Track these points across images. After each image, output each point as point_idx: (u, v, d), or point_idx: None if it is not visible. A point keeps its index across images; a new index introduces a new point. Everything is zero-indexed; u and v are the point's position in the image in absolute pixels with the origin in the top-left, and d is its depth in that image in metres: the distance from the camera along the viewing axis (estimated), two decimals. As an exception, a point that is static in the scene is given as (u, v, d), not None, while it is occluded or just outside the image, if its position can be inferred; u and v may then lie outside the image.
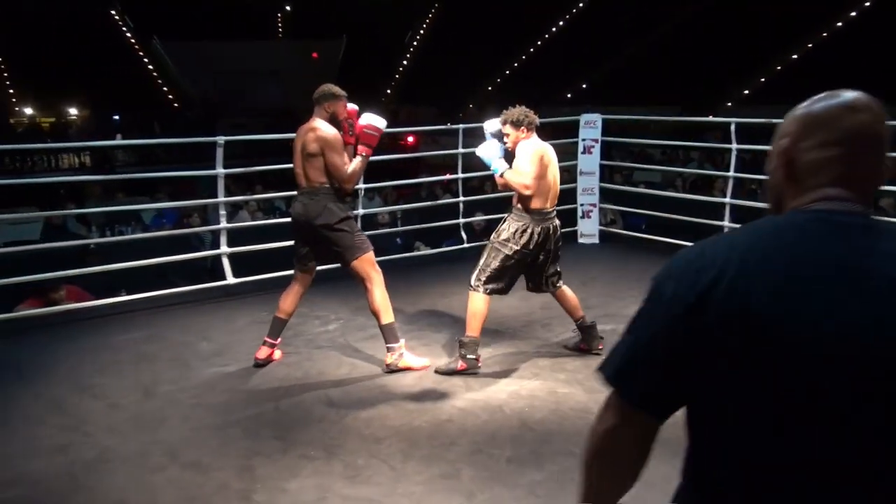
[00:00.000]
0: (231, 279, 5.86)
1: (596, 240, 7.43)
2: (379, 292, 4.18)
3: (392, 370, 4.20)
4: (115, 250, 6.71)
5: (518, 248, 4.13)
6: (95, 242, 7.39)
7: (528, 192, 4.08)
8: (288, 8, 37.79)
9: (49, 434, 3.55)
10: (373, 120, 4.24)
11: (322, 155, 4.07)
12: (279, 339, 4.44)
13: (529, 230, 4.14)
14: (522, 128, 4.14)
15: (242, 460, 3.26)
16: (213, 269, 6.46)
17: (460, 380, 4.08)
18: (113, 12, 35.04)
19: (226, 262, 5.88)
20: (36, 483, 3.12)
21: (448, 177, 7.44)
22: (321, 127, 4.11)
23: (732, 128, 6.34)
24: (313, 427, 3.57)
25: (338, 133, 4.13)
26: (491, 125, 4.33)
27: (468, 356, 4.15)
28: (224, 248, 5.90)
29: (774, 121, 5.95)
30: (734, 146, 6.36)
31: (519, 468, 3.14)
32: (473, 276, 4.20)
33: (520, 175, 4.08)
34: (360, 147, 4.22)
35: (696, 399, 1.15)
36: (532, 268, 4.31)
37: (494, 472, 3.11)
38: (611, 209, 7.92)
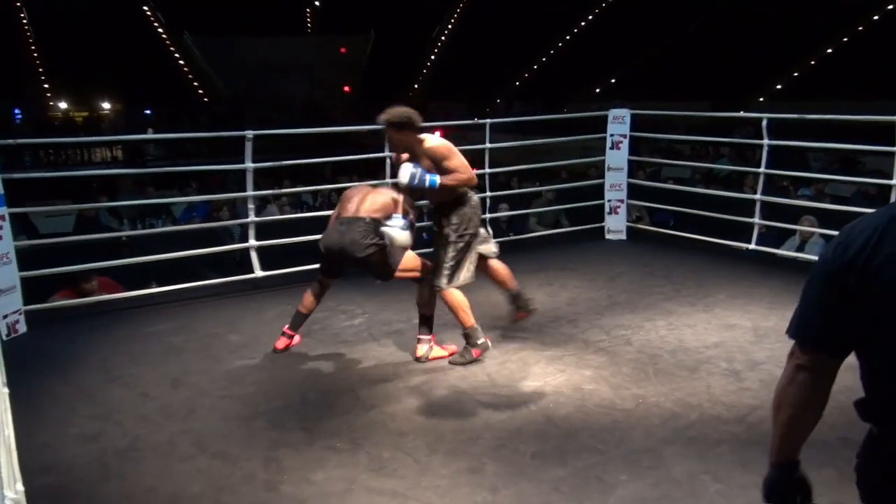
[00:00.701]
0: (259, 272, 5.91)
1: (623, 236, 7.37)
2: (426, 286, 4.30)
3: (420, 361, 4.31)
4: (146, 243, 6.81)
5: (469, 234, 4.23)
6: (127, 235, 7.50)
7: (475, 180, 4.25)
8: (317, 3, 37.95)
9: (81, 423, 3.62)
10: (406, 172, 4.11)
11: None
12: (298, 333, 4.53)
13: (474, 215, 4.27)
14: (406, 129, 4.11)
15: (269, 451, 3.30)
16: (241, 262, 6.52)
17: (485, 375, 4.08)
18: (145, 8, 35.47)
19: (254, 256, 5.94)
20: (68, 470, 3.18)
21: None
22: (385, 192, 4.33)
23: (764, 123, 6.25)
24: (339, 419, 3.60)
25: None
26: (405, 173, 4.10)
27: (477, 342, 4.27)
28: (252, 242, 5.96)
29: (808, 116, 5.88)
30: (765, 142, 6.26)
31: (543, 463, 3.13)
32: (436, 280, 4.22)
33: (463, 170, 4.14)
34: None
35: (860, 335, 1.49)
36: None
37: (519, 468, 3.11)
38: (638, 205, 7.85)
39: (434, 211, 4.40)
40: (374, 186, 4.44)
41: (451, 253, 4.19)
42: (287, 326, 4.51)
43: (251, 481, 3.06)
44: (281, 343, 4.49)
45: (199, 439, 3.43)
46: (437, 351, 4.37)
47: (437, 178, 4.06)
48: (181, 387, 4.04)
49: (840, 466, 3.05)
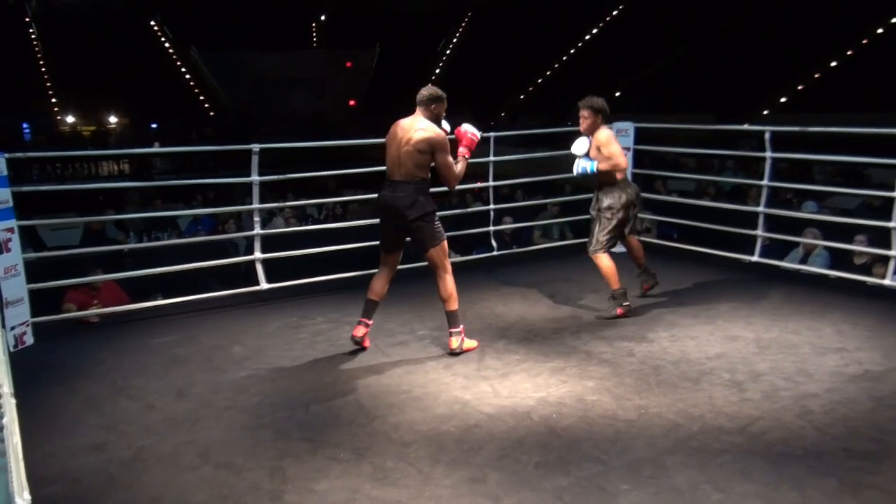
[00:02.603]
0: (264, 285, 5.95)
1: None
2: (450, 280, 4.58)
3: (455, 353, 4.57)
4: (152, 255, 6.86)
5: (619, 216, 5.24)
6: (132, 248, 7.56)
7: (624, 165, 5.19)
8: (323, 18, 38.23)
9: (87, 433, 3.65)
10: (473, 128, 4.65)
11: (432, 154, 4.39)
12: (372, 320, 4.72)
13: (626, 195, 5.24)
14: (600, 115, 5.18)
15: (273, 461, 3.32)
16: (246, 274, 6.56)
17: (488, 385, 4.10)
18: (153, 23, 35.78)
19: (259, 268, 5.98)
20: (74, 480, 3.21)
21: (479, 185, 7.45)
22: (431, 128, 4.42)
23: (767, 136, 6.27)
24: (343, 430, 3.62)
25: (445, 135, 4.45)
26: (580, 147, 5.25)
27: (623, 303, 5.22)
28: (258, 254, 6.00)
29: (810, 129, 5.93)
30: (769, 154, 6.29)
31: (546, 473, 3.15)
32: (589, 248, 5.34)
33: (617, 157, 5.08)
34: (460, 150, 4.57)
35: None
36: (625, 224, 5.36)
37: (521, 477, 3.12)
38: (645, 218, 7.87)
39: (598, 186, 5.33)
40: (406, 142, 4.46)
41: (604, 229, 5.25)
42: (361, 315, 4.68)
43: (255, 491, 3.08)
44: (359, 331, 4.66)
45: (203, 449, 3.45)
46: (469, 342, 4.65)
47: (596, 164, 5.12)
48: (186, 398, 4.07)
49: (841, 476, 3.06)
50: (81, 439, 3.58)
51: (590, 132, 5.23)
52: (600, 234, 5.26)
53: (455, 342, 4.58)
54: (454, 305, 4.59)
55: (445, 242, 4.58)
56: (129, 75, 30.74)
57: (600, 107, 5.18)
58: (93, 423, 3.76)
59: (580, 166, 5.20)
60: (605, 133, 5.16)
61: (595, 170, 5.13)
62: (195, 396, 4.08)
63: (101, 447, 3.50)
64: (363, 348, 4.72)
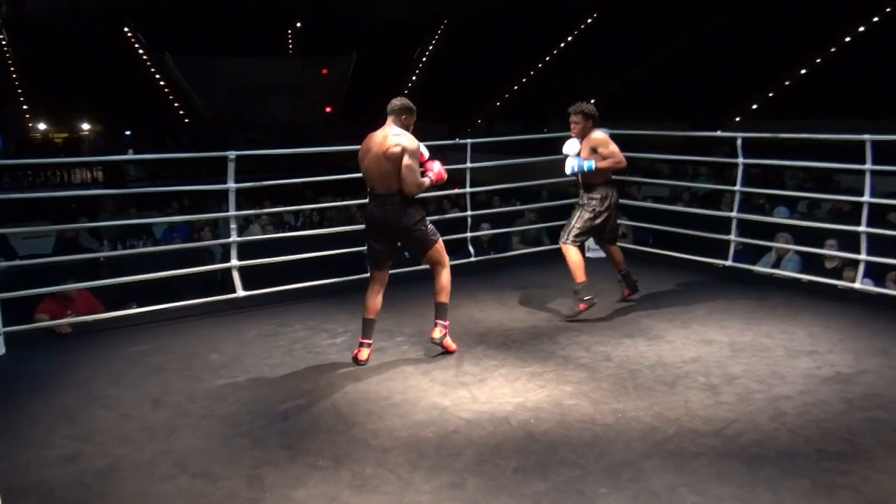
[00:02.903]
0: (241, 292, 5.91)
1: (603, 254, 7.42)
2: (446, 274, 4.69)
3: (435, 342, 4.69)
4: (127, 263, 6.79)
5: (603, 214, 5.36)
6: (106, 256, 7.48)
7: (624, 163, 5.35)
8: (299, 25, 38.13)
9: (61, 443, 3.61)
10: (443, 168, 4.68)
11: (399, 160, 4.38)
12: (373, 339, 4.65)
13: (613, 197, 5.43)
14: (591, 120, 5.34)
15: (251, 470, 3.30)
16: (222, 282, 6.52)
17: (466, 391, 4.11)
18: (126, 29, 35.43)
19: (236, 276, 5.94)
20: (49, 491, 3.17)
21: (456, 191, 7.48)
22: (405, 135, 4.45)
23: (739, 143, 6.37)
24: (321, 437, 3.61)
25: (418, 143, 4.47)
26: (571, 147, 5.40)
27: (585, 297, 5.24)
28: (234, 262, 5.96)
29: (781, 135, 6.04)
30: (741, 160, 6.38)
31: (524, 478, 3.16)
32: (561, 237, 5.40)
33: (618, 155, 5.29)
34: (427, 176, 4.59)
35: None
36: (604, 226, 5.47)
37: (500, 482, 3.13)
38: (621, 223, 7.93)
39: (585, 185, 5.43)
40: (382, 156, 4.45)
41: (582, 220, 5.35)
42: (361, 337, 4.62)
43: (233, 500, 3.06)
44: (364, 353, 4.59)
45: (180, 459, 3.42)
46: (450, 342, 4.72)
47: (594, 163, 5.24)
48: (162, 406, 4.03)
49: (815, 477, 3.11)
50: (55, 450, 3.54)
51: (581, 136, 5.38)
52: (577, 223, 5.38)
53: (438, 333, 4.66)
54: (445, 299, 4.67)
55: (440, 241, 4.68)
56: (102, 82, 30.39)
57: (591, 112, 5.34)
58: (67, 434, 3.71)
59: (575, 164, 5.31)
60: (600, 134, 5.35)
61: (593, 168, 5.25)
62: (172, 405, 4.04)
63: (76, 458, 3.45)
64: (344, 356, 4.71)
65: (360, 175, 4.71)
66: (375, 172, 4.45)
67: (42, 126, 31.61)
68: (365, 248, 4.80)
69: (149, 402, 4.09)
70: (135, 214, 10.28)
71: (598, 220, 5.38)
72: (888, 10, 22.49)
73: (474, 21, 35.67)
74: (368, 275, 4.82)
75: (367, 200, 4.63)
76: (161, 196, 11.61)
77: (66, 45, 31.35)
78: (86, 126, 31.77)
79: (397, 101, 4.55)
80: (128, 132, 29.51)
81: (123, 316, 5.58)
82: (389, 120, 4.51)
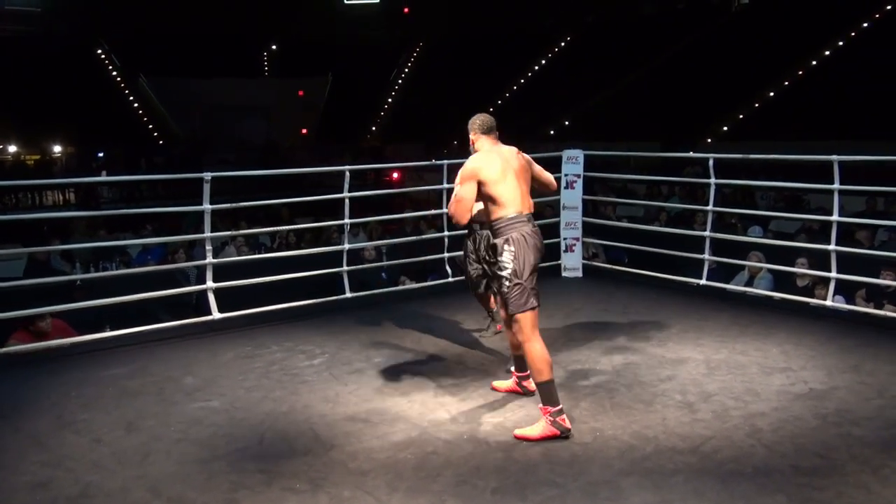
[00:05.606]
0: (216, 314, 5.86)
1: (579, 273, 7.50)
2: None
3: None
4: (100, 286, 6.70)
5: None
6: (79, 278, 7.37)
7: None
8: (274, 47, 38.17)
9: (31, 470, 3.53)
10: None
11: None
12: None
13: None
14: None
15: (227, 494, 3.26)
16: (197, 304, 6.45)
17: (445, 412, 4.10)
18: (99, 51, 35.23)
19: (211, 298, 5.88)
20: (18, 519, 3.10)
21: (433, 212, 7.50)
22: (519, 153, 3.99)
23: (711, 163, 6.47)
24: (298, 460, 3.57)
25: None
26: None
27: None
28: (210, 284, 5.91)
29: (752, 156, 6.15)
30: (713, 181, 6.49)
31: (503, 499, 3.16)
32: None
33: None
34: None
35: None
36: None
37: (479, 503, 3.12)
38: (593, 243, 8.02)
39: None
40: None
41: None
42: (515, 370, 4.36)
43: (209, 525, 3.02)
44: (503, 385, 4.39)
45: (154, 484, 3.37)
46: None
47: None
48: (136, 431, 3.97)
49: (790, 492, 3.14)
50: (25, 477, 3.46)
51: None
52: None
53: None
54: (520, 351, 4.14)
55: None
56: (74, 103, 30.12)
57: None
58: (37, 460, 3.63)
59: None
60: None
61: None
62: (146, 429, 3.98)
63: (47, 484, 3.38)
64: (321, 378, 4.68)
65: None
66: (524, 190, 3.91)
67: (13, 148, 31.20)
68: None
69: (122, 426, 4.02)
70: (105, 237, 10.15)
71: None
72: (852, 34, 23.10)
73: (450, 43, 35.96)
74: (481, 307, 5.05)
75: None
76: (135, 218, 11.47)
77: (39, 66, 31.06)
78: (58, 148, 31.40)
79: (491, 120, 4.06)
80: (100, 154, 29.21)
81: (97, 339, 5.49)
82: (491, 137, 4.03)
